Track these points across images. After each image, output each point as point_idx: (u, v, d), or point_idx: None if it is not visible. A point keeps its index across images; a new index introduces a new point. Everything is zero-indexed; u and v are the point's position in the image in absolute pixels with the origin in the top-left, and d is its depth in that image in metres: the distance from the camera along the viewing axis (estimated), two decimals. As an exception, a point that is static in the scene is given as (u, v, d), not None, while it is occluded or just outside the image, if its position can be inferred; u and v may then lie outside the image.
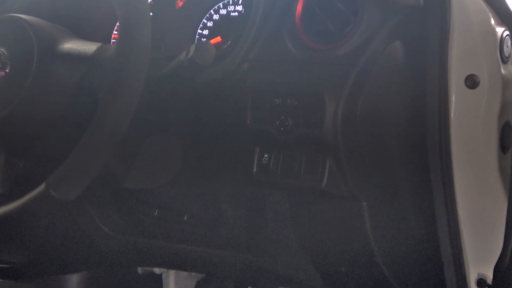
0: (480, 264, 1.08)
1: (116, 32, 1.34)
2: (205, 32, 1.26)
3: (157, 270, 1.54)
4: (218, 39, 1.24)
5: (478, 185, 1.06)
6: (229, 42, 1.21)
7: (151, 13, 1.27)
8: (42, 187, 0.95)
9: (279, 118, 1.05)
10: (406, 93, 1.04)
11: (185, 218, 1.25)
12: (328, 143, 1.03)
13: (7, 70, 1.07)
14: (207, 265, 1.29)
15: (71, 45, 1.10)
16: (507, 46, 1.08)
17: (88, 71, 1.07)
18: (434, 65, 1.02)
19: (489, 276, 1.07)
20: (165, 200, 1.27)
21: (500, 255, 1.06)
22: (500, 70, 1.07)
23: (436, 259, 1.07)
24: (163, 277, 1.56)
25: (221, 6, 1.26)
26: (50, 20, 1.15)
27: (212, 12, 1.26)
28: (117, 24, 1.33)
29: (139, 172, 1.17)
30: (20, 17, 1.10)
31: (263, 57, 1.11)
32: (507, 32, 1.09)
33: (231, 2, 1.24)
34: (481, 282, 1.07)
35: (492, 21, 1.07)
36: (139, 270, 1.58)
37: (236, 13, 1.24)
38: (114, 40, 1.34)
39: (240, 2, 1.24)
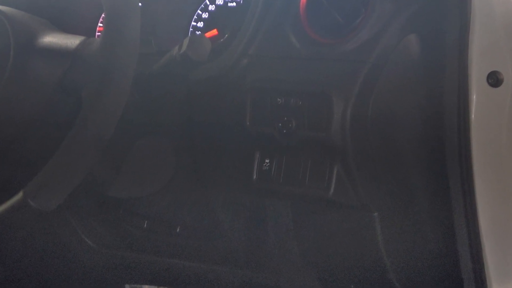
0: (503, 280, 1.07)
1: (101, 25, 1.34)
2: (200, 24, 1.26)
3: (146, 288, 1.54)
4: (214, 32, 1.24)
5: (502, 193, 1.06)
6: (226, 35, 1.21)
7: (140, 4, 1.27)
8: (19, 195, 0.95)
9: (282, 119, 1.05)
10: (422, 92, 1.04)
11: (178, 230, 1.25)
12: (336, 147, 1.03)
13: None
14: (201, 282, 1.29)
15: (52, 39, 1.09)
16: (534, 40, 1.08)
17: (71, 67, 1.06)
18: (453, 61, 1.02)
19: (514, 294, 1.07)
20: (155, 210, 1.26)
21: (526, 271, 1.06)
22: (525, 67, 1.06)
23: (455, 276, 1.07)
24: (153, 295, 1.56)
25: (218, -4, 1.26)
26: (29, 11, 1.15)
27: (208, 2, 1.26)
28: (103, 15, 1.33)
29: (127, 179, 1.17)
30: None
31: (264, 52, 1.11)
32: (533, 25, 1.09)
33: (228, -8, 1.25)
34: (505, 301, 1.07)
35: (517, 13, 1.07)
36: (127, 287, 1.58)
37: (234, 4, 1.24)
38: (99, 34, 1.34)
39: (238, -8, 1.24)
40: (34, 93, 1.06)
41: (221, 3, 1.25)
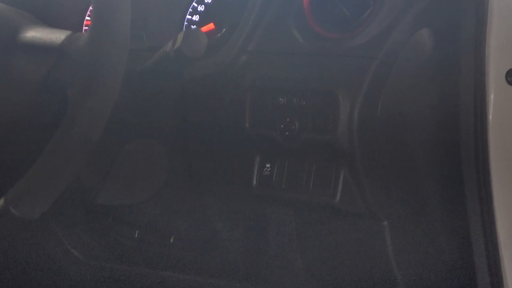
0: (523, 294, 1.07)
1: (88, 18, 1.34)
2: (195, 17, 1.26)
3: (137, 303, 1.54)
4: (210, 26, 1.24)
5: (522, 200, 1.06)
6: (224, 30, 1.21)
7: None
8: (0, 203, 0.95)
9: (284, 120, 1.05)
10: (435, 90, 1.04)
11: (171, 240, 1.25)
12: (342, 151, 1.03)
13: None
14: (197, 296, 1.29)
15: (36, 34, 1.09)
16: (556, 35, 1.08)
17: (56, 64, 1.06)
18: (469, 58, 1.02)
19: (535, 310, 1.07)
20: (147, 218, 1.26)
21: (548, 285, 1.06)
22: (547, 64, 1.06)
23: (472, 290, 1.07)
24: (145, 310, 1.55)
25: (214, -13, 1.26)
26: (11, 4, 1.15)
27: (204, -5, 1.26)
28: (90, 8, 1.33)
29: (117, 186, 1.17)
30: None
31: (264, 48, 1.11)
32: (555, 18, 1.08)
33: (226, -17, 1.25)
34: (525, 317, 1.07)
35: (538, 5, 1.07)
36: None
37: (233, -4, 1.24)
38: (87, 28, 1.34)
39: (236, -17, 1.24)
40: (16, 92, 1.06)
41: (218, -5, 1.25)
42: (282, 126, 1.06)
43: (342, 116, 1.02)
